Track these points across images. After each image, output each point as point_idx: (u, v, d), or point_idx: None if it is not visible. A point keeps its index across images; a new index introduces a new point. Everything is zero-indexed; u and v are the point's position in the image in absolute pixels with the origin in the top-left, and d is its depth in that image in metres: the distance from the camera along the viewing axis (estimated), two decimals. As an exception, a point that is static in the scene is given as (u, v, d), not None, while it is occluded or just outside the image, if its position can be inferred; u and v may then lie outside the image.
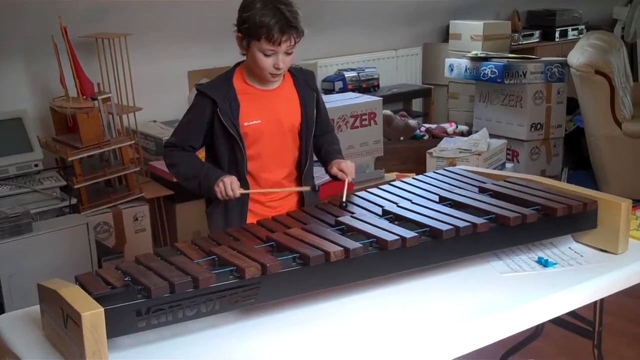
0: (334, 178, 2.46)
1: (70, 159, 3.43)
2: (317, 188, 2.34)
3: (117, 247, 3.58)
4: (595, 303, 2.26)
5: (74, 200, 3.46)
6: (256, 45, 2.24)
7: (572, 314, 2.27)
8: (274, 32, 2.20)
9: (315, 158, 2.56)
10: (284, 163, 2.44)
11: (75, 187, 3.46)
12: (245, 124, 2.33)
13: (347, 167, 2.40)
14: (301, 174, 2.46)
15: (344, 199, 2.27)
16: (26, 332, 1.79)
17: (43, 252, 3.10)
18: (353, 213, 2.17)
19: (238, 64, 2.41)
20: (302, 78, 2.46)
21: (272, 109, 2.37)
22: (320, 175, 2.87)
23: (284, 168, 2.44)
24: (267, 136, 2.37)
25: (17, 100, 3.82)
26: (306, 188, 2.40)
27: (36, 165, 3.46)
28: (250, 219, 2.37)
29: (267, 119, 2.36)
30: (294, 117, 2.41)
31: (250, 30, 2.23)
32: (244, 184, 2.36)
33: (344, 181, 2.37)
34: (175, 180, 2.57)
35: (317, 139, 2.51)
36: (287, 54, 2.27)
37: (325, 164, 2.50)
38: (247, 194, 2.38)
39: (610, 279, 2.09)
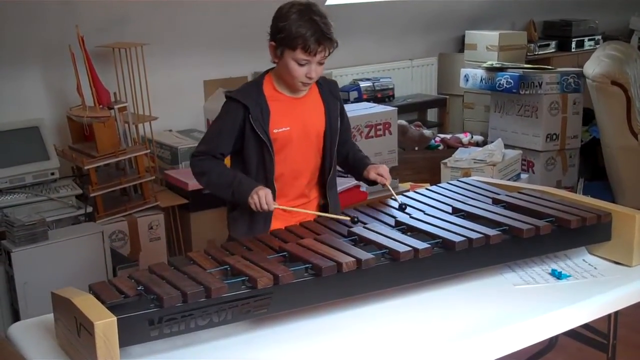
0: (371, 183, 2.51)
1: (86, 168, 3.45)
2: (356, 220, 2.20)
3: (132, 256, 3.60)
4: (609, 316, 2.24)
5: (89, 209, 3.48)
6: (290, 55, 2.28)
7: (586, 326, 2.27)
8: (310, 43, 2.24)
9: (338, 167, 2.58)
10: (307, 170, 2.47)
11: (91, 195, 3.48)
12: (275, 130, 2.36)
13: (385, 172, 2.47)
14: (325, 181, 2.50)
15: (397, 200, 2.36)
16: (40, 340, 1.81)
17: (59, 260, 3.11)
18: (365, 224, 2.17)
19: (267, 72, 2.45)
20: (327, 87, 2.50)
21: (300, 116, 2.41)
22: (340, 182, 2.88)
23: (307, 175, 2.47)
24: (295, 143, 2.40)
25: (34, 109, 3.85)
26: (346, 218, 2.24)
27: (52, 174, 3.48)
28: (274, 224, 2.40)
29: (295, 126, 2.40)
30: (319, 125, 2.45)
31: (285, 40, 2.27)
32: (272, 190, 2.38)
33: (383, 186, 2.46)
34: (206, 189, 2.52)
35: (340, 147, 2.54)
36: (320, 64, 2.31)
37: (359, 169, 2.53)
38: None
39: (625, 291, 2.08)
